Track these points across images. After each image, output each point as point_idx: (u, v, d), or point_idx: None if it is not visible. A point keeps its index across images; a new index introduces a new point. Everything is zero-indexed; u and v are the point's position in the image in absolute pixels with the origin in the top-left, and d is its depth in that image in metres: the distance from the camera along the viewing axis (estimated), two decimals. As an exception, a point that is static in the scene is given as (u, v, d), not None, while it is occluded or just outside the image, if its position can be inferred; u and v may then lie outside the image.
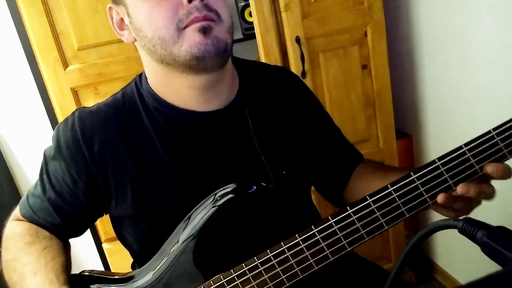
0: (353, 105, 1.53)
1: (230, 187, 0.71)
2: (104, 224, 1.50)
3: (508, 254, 0.42)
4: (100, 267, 1.74)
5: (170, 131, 0.76)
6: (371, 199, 0.65)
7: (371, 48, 1.49)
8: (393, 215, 0.65)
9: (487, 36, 1.27)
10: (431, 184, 0.64)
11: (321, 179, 0.92)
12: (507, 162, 0.64)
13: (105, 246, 1.56)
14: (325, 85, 1.49)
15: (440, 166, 0.64)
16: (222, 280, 0.70)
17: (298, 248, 0.67)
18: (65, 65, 1.36)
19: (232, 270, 0.69)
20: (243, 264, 0.69)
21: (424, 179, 0.64)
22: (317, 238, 0.67)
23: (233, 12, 1.68)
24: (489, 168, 0.62)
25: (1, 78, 1.65)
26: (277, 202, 0.79)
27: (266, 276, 0.68)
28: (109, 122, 0.76)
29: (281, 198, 0.79)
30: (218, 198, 0.71)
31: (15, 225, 0.81)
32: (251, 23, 1.51)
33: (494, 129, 0.63)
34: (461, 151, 0.63)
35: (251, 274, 0.69)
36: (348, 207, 0.66)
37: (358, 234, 0.66)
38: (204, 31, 0.67)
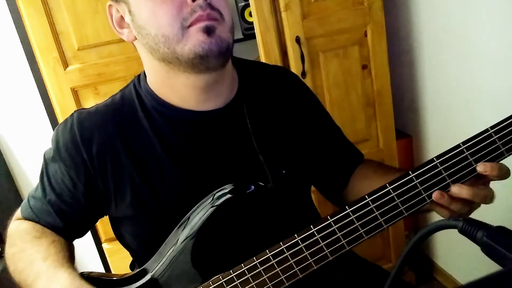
0: (353, 105, 1.53)
1: (228, 187, 0.71)
2: (104, 224, 1.50)
3: (508, 254, 0.42)
4: (100, 267, 1.74)
5: (169, 130, 0.76)
6: (370, 198, 0.66)
7: (371, 48, 1.49)
8: (391, 214, 0.66)
9: (487, 36, 1.27)
10: (430, 182, 0.64)
11: (321, 179, 0.92)
12: (506, 161, 0.64)
13: (105, 246, 1.56)
14: (325, 85, 1.49)
15: (438, 164, 0.64)
16: (221, 281, 0.70)
17: (297, 248, 0.67)
18: (65, 65, 1.36)
19: (231, 270, 0.69)
20: (242, 264, 0.69)
21: (423, 177, 0.64)
22: (316, 237, 0.67)
23: (233, 12, 1.67)
24: (480, 167, 0.62)
25: (1, 78, 1.65)
26: (276, 201, 0.79)
27: (265, 276, 0.68)
28: (108, 124, 0.76)
29: (279, 197, 0.79)
30: (216, 198, 0.71)
31: (19, 223, 0.82)
32: (251, 23, 1.51)
33: (492, 127, 0.63)
34: (459, 149, 0.64)
35: (250, 274, 0.69)
36: (346, 206, 0.66)
37: (357, 233, 0.66)
38: (208, 30, 0.67)
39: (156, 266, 0.74)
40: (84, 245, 1.65)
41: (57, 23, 1.32)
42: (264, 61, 1.42)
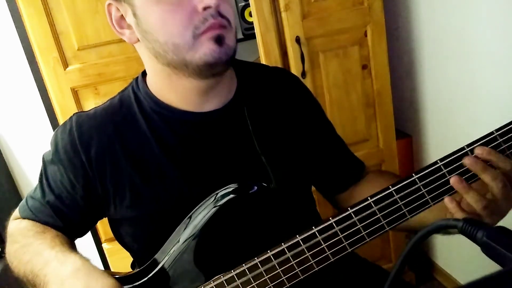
0: (353, 105, 1.53)
1: (231, 187, 0.71)
2: (104, 224, 1.49)
3: (508, 254, 0.42)
4: (100, 267, 1.74)
5: (168, 132, 0.76)
6: (372, 200, 0.65)
7: (371, 48, 1.49)
8: (394, 216, 0.65)
9: (487, 36, 1.27)
10: (433, 185, 0.64)
11: (319, 181, 0.92)
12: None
13: (105, 246, 1.56)
14: (325, 85, 1.49)
15: (442, 167, 0.63)
16: (222, 280, 0.70)
17: (299, 249, 0.67)
18: (65, 65, 1.36)
19: (232, 270, 0.69)
20: (243, 264, 0.69)
21: (426, 180, 0.64)
22: (318, 239, 0.66)
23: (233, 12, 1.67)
24: (477, 150, 0.61)
25: (1, 78, 1.65)
26: (278, 202, 0.79)
27: (266, 277, 0.68)
28: (106, 126, 0.76)
29: (282, 198, 0.79)
30: (219, 198, 0.71)
31: (18, 222, 0.82)
32: (251, 23, 1.51)
33: (497, 130, 0.62)
34: (463, 152, 0.63)
35: (252, 274, 0.68)
36: (349, 208, 0.66)
37: (359, 235, 0.66)
38: (219, 40, 0.67)
39: (158, 265, 0.74)
40: (84, 245, 1.64)
41: (57, 23, 1.32)
42: (264, 61, 1.42)
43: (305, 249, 0.67)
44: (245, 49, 1.66)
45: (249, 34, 1.71)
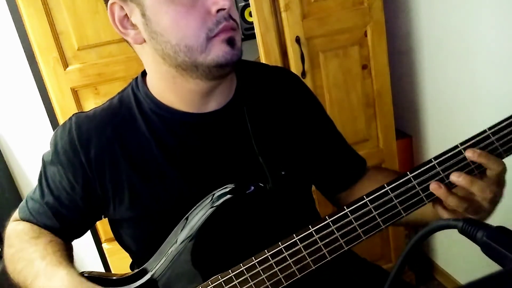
0: (353, 105, 1.53)
1: (228, 187, 0.71)
2: (104, 224, 1.50)
3: (508, 254, 0.42)
4: (100, 267, 1.74)
5: (167, 133, 0.76)
6: (368, 199, 0.66)
7: (371, 48, 1.49)
8: (390, 214, 0.66)
9: (487, 36, 1.27)
10: (428, 183, 0.64)
11: (320, 181, 0.92)
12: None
13: (105, 246, 1.56)
14: (325, 85, 1.49)
15: (436, 165, 0.64)
16: (220, 280, 0.70)
17: (295, 248, 0.67)
18: (65, 65, 1.36)
19: (230, 270, 0.69)
20: (241, 264, 0.69)
21: (421, 178, 0.65)
22: (314, 238, 0.67)
23: (233, 12, 1.67)
24: (468, 153, 0.63)
25: (1, 78, 1.65)
26: (275, 202, 0.79)
27: (263, 276, 0.68)
28: (106, 127, 0.76)
29: (279, 198, 0.79)
30: (216, 199, 0.71)
31: (16, 224, 0.82)
32: (251, 23, 1.51)
33: (490, 128, 0.63)
34: (456, 150, 0.64)
35: (249, 274, 0.69)
36: (345, 207, 0.66)
37: (355, 234, 0.66)
38: (231, 42, 0.68)
39: (156, 266, 0.74)
40: (84, 245, 1.65)
41: (57, 23, 1.32)
42: (264, 61, 1.42)
43: (301, 248, 0.67)
44: (245, 49, 1.64)
45: (249, 34, 1.71)
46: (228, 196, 0.71)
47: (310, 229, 0.67)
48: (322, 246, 0.67)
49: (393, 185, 0.65)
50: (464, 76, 1.41)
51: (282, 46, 1.43)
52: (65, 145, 0.76)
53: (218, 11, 0.67)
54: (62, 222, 0.79)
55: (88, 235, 1.63)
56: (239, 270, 0.69)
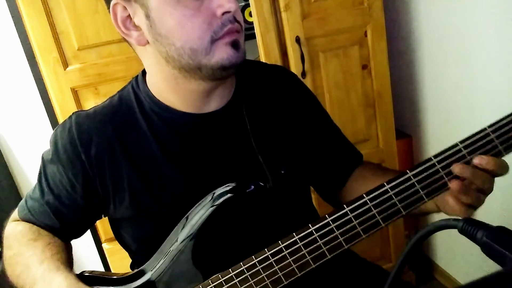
0: (353, 105, 1.53)
1: (228, 186, 0.71)
2: (104, 224, 1.50)
3: (508, 254, 0.42)
4: (100, 267, 1.74)
5: (167, 132, 0.76)
6: (368, 197, 0.66)
7: (371, 48, 1.49)
8: (390, 212, 0.66)
9: (487, 36, 1.27)
10: (428, 181, 0.64)
11: (319, 179, 0.92)
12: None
13: (105, 246, 1.56)
14: (325, 85, 1.49)
15: (436, 163, 0.64)
16: (220, 279, 0.70)
17: (295, 247, 0.67)
18: (65, 65, 1.36)
19: (230, 269, 0.69)
20: (241, 263, 0.69)
21: (420, 176, 0.65)
22: (314, 236, 0.67)
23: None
24: (476, 160, 0.62)
25: (1, 78, 1.65)
26: (275, 201, 0.79)
27: (264, 275, 0.68)
28: (106, 126, 0.76)
29: (279, 197, 0.79)
30: (216, 198, 0.71)
31: (15, 224, 0.82)
32: (251, 23, 1.51)
33: (490, 126, 0.63)
34: (456, 148, 0.64)
35: (249, 272, 0.69)
36: (344, 205, 0.66)
37: (355, 232, 0.66)
38: (236, 45, 0.69)
39: (156, 265, 0.74)
40: (84, 245, 1.65)
41: (57, 23, 1.32)
42: (264, 61, 1.42)
43: (301, 247, 0.67)
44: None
45: (249, 34, 1.71)
46: (229, 195, 0.71)
47: (310, 228, 0.67)
48: (322, 245, 0.67)
49: (392, 183, 0.65)
50: (464, 76, 1.41)
51: (282, 46, 1.43)
52: (66, 144, 0.75)
53: (223, 13, 0.67)
54: (62, 221, 0.79)
55: (88, 235, 1.63)
56: (239, 269, 0.69)
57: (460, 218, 0.51)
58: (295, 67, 1.42)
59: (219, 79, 0.73)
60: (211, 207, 0.71)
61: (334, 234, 0.66)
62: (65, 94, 1.38)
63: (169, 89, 0.75)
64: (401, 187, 0.65)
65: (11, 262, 0.77)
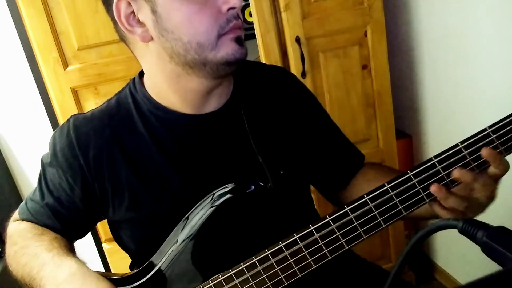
0: (353, 105, 1.53)
1: (228, 186, 0.71)
2: (104, 224, 1.48)
3: (508, 254, 0.42)
4: (100, 267, 1.74)
5: (166, 134, 0.76)
6: (368, 197, 0.66)
7: (371, 48, 1.49)
8: (390, 213, 0.66)
9: (487, 36, 1.27)
10: (428, 182, 0.64)
11: (320, 179, 0.92)
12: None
13: (105, 246, 1.56)
14: (325, 85, 1.49)
15: (436, 163, 0.64)
16: (220, 279, 0.70)
17: (296, 247, 0.67)
18: (65, 65, 1.36)
19: (230, 270, 0.69)
20: (241, 264, 0.69)
21: (421, 177, 0.65)
22: (315, 236, 0.67)
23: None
24: (484, 152, 0.62)
25: (1, 78, 1.65)
26: (275, 201, 0.79)
27: (264, 275, 0.68)
28: (104, 129, 0.76)
29: (279, 197, 0.79)
30: (216, 198, 0.71)
31: (18, 223, 0.82)
32: (251, 23, 1.51)
33: (490, 126, 0.63)
34: (457, 148, 0.64)
35: (250, 273, 0.69)
36: (345, 206, 0.66)
37: (355, 233, 0.66)
38: (240, 41, 0.70)
39: (156, 265, 0.74)
40: (84, 245, 1.64)
41: (57, 23, 1.32)
42: (264, 62, 1.42)
43: (302, 247, 0.67)
44: (245, 49, 1.65)
45: (249, 34, 1.71)
46: (229, 195, 0.71)
47: (310, 228, 0.67)
48: (323, 246, 0.67)
49: (393, 183, 0.65)
50: (464, 75, 1.41)
51: (282, 46, 1.43)
52: (64, 148, 0.75)
53: (228, 9, 0.68)
54: (63, 222, 0.79)
55: (88, 235, 1.62)
56: (239, 269, 0.69)
57: (460, 218, 0.51)
58: (295, 67, 1.42)
59: (221, 76, 0.73)
60: (211, 207, 0.71)
61: (335, 235, 0.66)
62: (65, 94, 1.38)
63: (169, 89, 0.75)
64: (402, 188, 0.65)
65: (16, 256, 0.76)
